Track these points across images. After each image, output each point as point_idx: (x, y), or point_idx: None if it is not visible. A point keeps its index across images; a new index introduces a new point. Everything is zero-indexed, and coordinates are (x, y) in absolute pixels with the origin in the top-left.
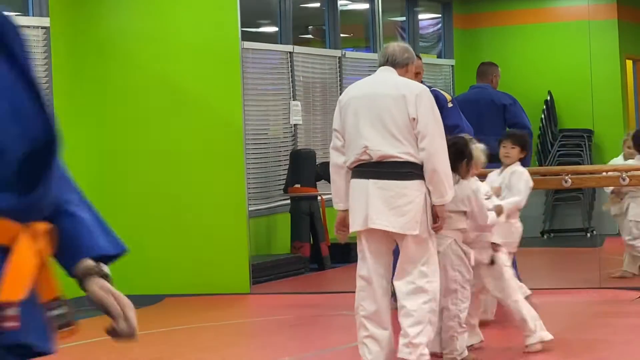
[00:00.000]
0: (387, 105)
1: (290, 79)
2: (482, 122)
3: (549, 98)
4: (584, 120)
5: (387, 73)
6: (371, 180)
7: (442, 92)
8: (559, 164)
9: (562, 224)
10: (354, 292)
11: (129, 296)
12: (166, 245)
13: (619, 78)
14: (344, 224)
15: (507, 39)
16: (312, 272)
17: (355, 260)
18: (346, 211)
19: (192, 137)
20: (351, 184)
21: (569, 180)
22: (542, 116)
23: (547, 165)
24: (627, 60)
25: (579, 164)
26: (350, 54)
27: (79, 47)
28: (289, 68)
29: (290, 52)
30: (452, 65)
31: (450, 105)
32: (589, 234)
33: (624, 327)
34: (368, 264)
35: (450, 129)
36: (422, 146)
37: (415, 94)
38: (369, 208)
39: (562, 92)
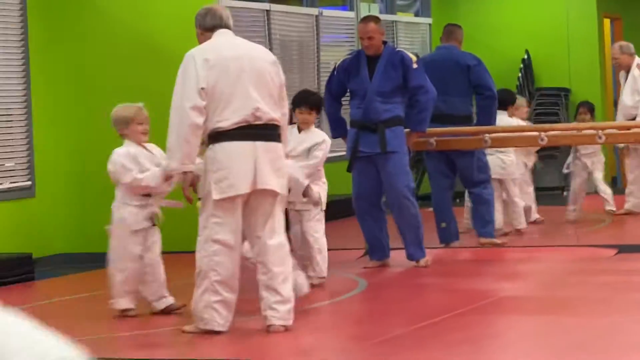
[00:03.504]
0: (266, 68)
1: (267, 38)
2: (446, 83)
3: (526, 57)
4: (561, 79)
5: (235, 36)
6: (258, 142)
7: (407, 53)
8: (535, 122)
9: (538, 182)
10: (330, 250)
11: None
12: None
13: (596, 36)
14: (193, 184)
15: None
16: None
17: (332, 219)
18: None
19: (168, 92)
20: (227, 146)
21: (545, 138)
22: (520, 75)
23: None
24: (605, 19)
25: (556, 122)
26: (327, 12)
27: (56, 4)
28: (266, 26)
29: (267, 10)
30: (430, 24)
31: (415, 66)
32: (565, 192)
33: (599, 285)
34: (233, 227)
35: (414, 89)
36: (285, 111)
37: (278, 62)
38: (258, 170)
39: (540, 51)
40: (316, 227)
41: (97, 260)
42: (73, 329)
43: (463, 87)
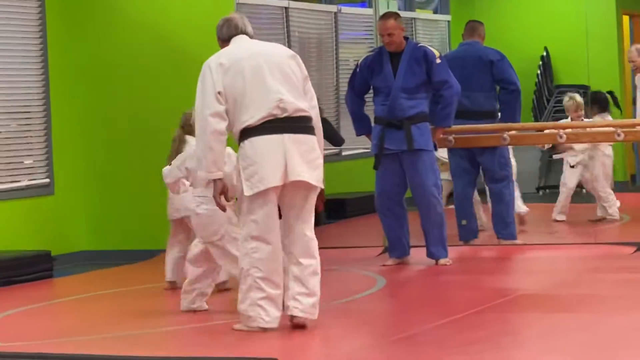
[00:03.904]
0: (285, 62)
1: (286, 35)
2: (469, 78)
3: (545, 54)
4: (580, 76)
5: (251, 40)
6: (286, 135)
7: (430, 48)
8: (554, 120)
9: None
10: (349, 247)
11: (127, 251)
12: (163, 202)
13: (615, 33)
14: (224, 191)
15: None
16: None
17: (351, 216)
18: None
19: (186, 92)
20: (255, 141)
21: (564, 135)
22: (538, 72)
23: (542, 121)
24: (624, 16)
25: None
26: (346, 9)
27: (73, 0)
28: (285, 23)
29: (285, 8)
30: (448, 21)
31: (438, 61)
32: (584, 190)
33: (617, 283)
34: (269, 223)
35: (438, 85)
36: (313, 104)
37: (298, 56)
38: (289, 162)
39: (558, 48)
40: None
41: (115, 258)
42: (90, 327)
43: (486, 82)
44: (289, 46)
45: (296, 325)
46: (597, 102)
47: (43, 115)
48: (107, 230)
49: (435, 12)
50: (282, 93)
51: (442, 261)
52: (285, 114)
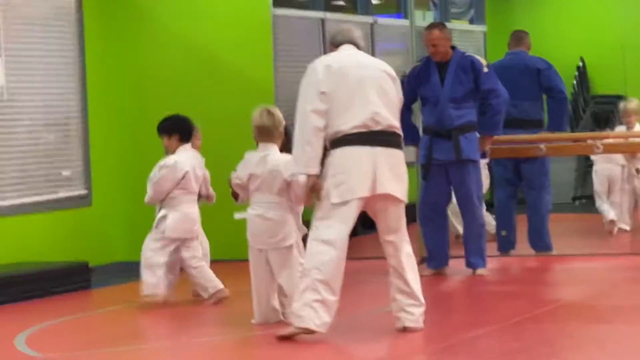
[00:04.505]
0: (386, 80)
1: (322, 46)
2: (517, 87)
3: (581, 64)
4: (616, 86)
5: (358, 51)
6: (378, 148)
7: (477, 57)
8: (590, 130)
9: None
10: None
11: None
12: (205, 211)
13: None
14: (317, 189)
15: (538, 5)
16: None
17: None
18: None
19: (224, 105)
20: (346, 151)
21: (601, 146)
22: (574, 82)
23: (579, 131)
24: None
25: (611, 129)
26: (382, 20)
27: (112, 15)
28: (321, 35)
29: (322, 19)
30: (484, 32)
31: (486, 70)
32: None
33: None
34: (343, 230)
35: (486, 93)
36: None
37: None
38: (378, 174)
39: (594, 58)
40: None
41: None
42: (128, 338)
43: (533, 91)
44: None
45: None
46: None
47: (81, 127)
48: (133, 240)
49: (471, 22)
50: (379, 107)
51: (479, 271)
52: (378, 127)
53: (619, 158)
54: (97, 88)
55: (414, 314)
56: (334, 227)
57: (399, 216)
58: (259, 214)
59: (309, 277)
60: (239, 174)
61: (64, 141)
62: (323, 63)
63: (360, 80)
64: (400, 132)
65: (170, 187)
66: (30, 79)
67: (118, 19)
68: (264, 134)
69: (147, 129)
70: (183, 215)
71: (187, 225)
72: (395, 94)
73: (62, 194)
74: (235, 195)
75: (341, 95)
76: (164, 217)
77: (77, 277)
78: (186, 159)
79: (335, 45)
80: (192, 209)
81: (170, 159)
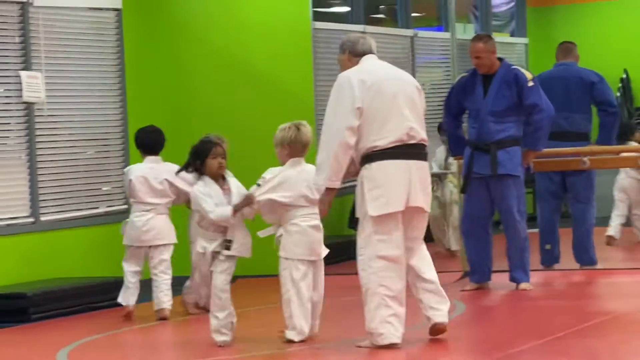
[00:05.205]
0: (415, 92)
1: None
2: (569, 99)
3: (624, 76)
4: None
5: (382, 62)
6: (412, 161)
7: (522, 71)
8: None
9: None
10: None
11: None
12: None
13: None
14: (329, 202)
15: (581, 17)
16: None
17: (428, 241)
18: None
19: (264, 118)
20: (384, 165)
21: None
22: (618, 94)
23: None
24: None
25: None
26: (422, 33)
27: (151, 29)
28: None
29: (362, 32)
30: (526, 44)
31: (530, 84)
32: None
33: None
34: (396, 243)
35: (529, 108)
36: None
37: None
38: (412, 188)
39: (638, 70)
40: None
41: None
42: (159, 355)
43: (585, 104)
44: None
45: (438, 331)
46: None
47: (121, 142)
48: (181, 257)
49: (512, 35)
50: (413, 122)
51: (522, 286)
52: (412, 141)
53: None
54: (137, 103)
55: (442, 309)
56: (385, 241)
57: (423, 226)
58: (313, 225)
59: (378, 295)
60: (293, 195)
61: (104, 156)
62: (357, 77)
63: (395, 95)
64: (427, 143)
65: (127, 194)
66: (70, 94)
67: (157, 33)
68: (297, 149)
69: (186, 144)
70: (130, 223)
71: (133, 233)
72: (421, 106)
73: (102, 209)
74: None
75: (376, 110)
76: None
77: (117, 292)
78: (137, 168)
79: (356, 55)
80: (138, 217)
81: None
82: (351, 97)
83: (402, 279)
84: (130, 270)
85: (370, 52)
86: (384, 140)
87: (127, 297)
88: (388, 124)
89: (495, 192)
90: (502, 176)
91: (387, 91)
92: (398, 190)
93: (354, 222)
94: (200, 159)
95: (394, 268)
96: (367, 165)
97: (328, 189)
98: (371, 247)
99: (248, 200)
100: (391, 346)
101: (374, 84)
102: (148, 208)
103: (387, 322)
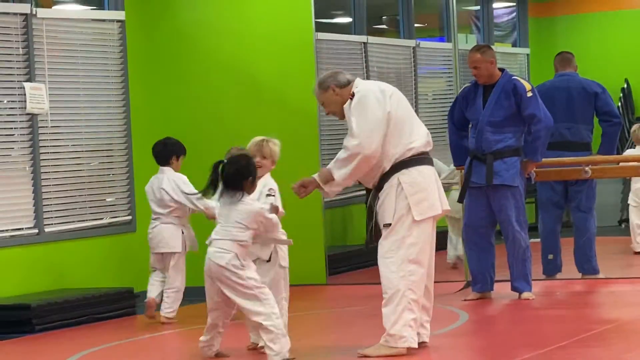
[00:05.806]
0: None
1: (365, 70)
2: (572, 109)
3: (625, 86)
4: None
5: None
6: (432, 167)
7: (521, 81)
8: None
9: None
10: None
11: None
12: None
13: None
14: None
15: (582, 27)
16: None
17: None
18: None
19: (267, 128)
20: (422, 170)
21: None
22: (619, 104)
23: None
24: None
25: None
26: (424, 43)
27: (154, 41)
28: (363, 58)
29: (364, 43)
30: (527, 54)
31: (529, 94)
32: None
33: None
34: (427, 248)
35: (527, 119)
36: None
37: None
38: (440, 192)
39: (639, 80)
40: None
41: (197, 294)
42: None
43: (588, 114)
44: (368, 79)
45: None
46: None
47: (125, 153)
48: (189, 266)
49: (514, 45)
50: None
51: (525, 295)
52: (429, 148)
53: None
54: (140, 114)
55: (428, 329)
56: (417, 245)
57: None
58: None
59: (406, 298)
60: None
61: (108, 167)
62: (376, 89)
63: (409, 105)
64: None
65: None
66: (74, 106)
67: (160, 44)
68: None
69: (190, 154)
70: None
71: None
72: None
73: (106, 220)
74: None
75: (402, 117)
76: None
77: (123, 302)
78: (150, 182)
79: (342, 85)
80: (150, 225)
81: None
82: (376, 104)
83: (424, 283)
84: (152, 270)
85: (351, 80)
86: (418, 142)
87: (150, 289)
88: (415, 130)
89: (494, 202)
90: (500, 186)
91: (403, 100)
92: (435, 195)
93: (376, 236)
94: (247, 178)
95: (421, 273)
96: (404, 171)
97: (327, 184)
98: (403, 250)
99: (275, 210)
100: (410, 350)
101: (393, 93)
102: (155, 217)
103: (409, 325)
